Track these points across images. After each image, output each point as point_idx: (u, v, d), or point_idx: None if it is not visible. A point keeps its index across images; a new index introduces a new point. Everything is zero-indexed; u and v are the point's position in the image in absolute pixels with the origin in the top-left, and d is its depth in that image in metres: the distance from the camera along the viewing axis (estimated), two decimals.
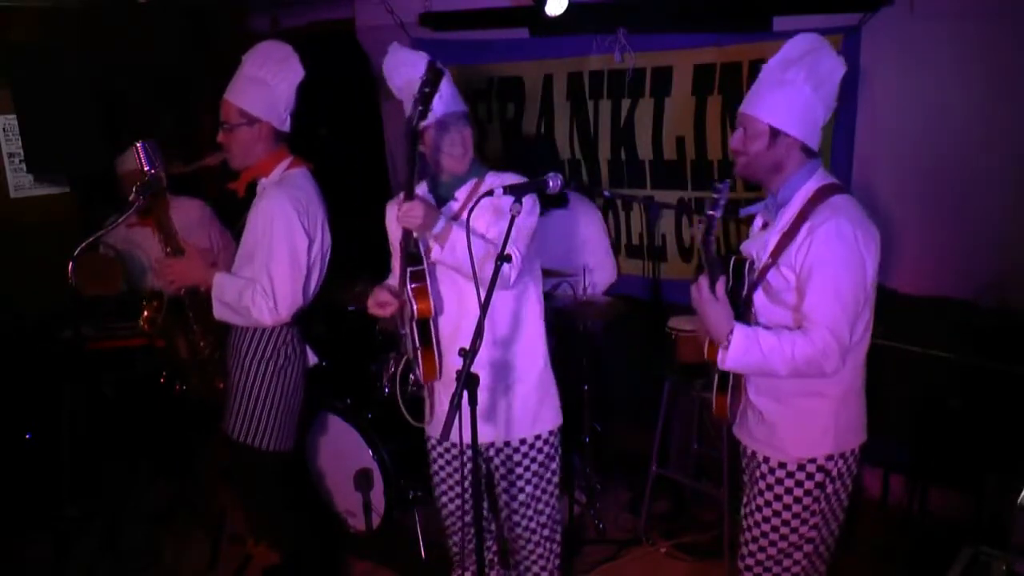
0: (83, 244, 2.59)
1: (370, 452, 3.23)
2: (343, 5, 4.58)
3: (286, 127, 2.67)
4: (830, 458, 2.08)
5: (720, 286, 2.01)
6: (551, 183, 2.11)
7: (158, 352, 3.23)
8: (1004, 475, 2.75)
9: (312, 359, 2.86)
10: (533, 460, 2.54)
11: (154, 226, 2.74)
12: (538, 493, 2.57)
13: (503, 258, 2.01)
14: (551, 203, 3.59)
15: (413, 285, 2.35)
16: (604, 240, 3.87)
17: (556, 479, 2.62)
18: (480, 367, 2.33)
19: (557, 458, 2.61)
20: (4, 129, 4.25)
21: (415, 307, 2.36)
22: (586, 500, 3.61)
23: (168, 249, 2.73)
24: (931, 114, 3.09)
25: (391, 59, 2.41)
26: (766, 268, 2.06)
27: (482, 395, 2.36)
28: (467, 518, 2.52)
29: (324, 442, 3.40)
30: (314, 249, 2.63)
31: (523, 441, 2.52)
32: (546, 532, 2.62)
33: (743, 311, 2.10)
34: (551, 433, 2.56)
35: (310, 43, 2.69)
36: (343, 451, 3.33)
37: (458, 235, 2.19)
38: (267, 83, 2.59)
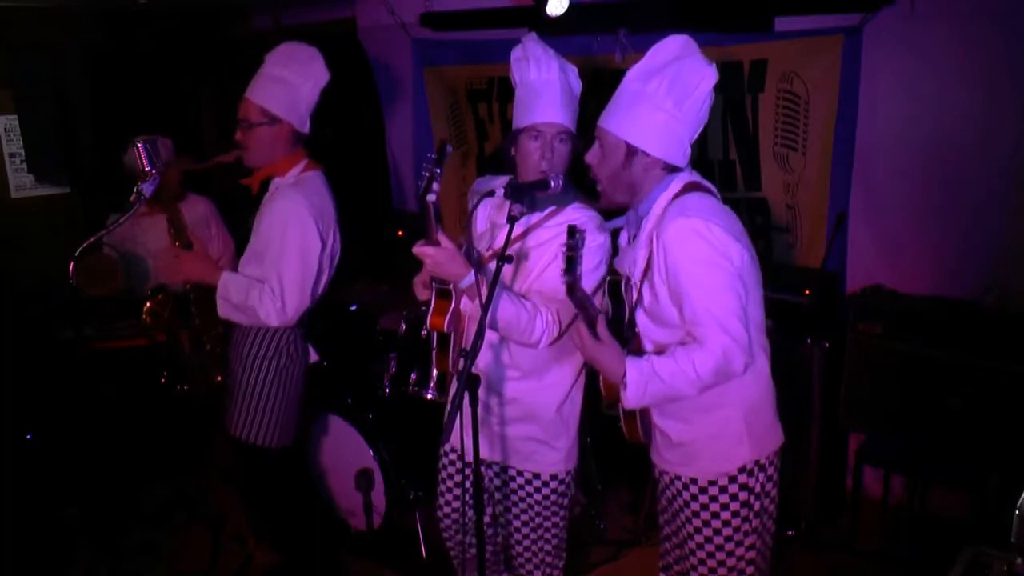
0: (84, 244, 2.59)
1: (371, 452, 3.23)
2: (344, 5, 4.58)
3: (306, 128, 2.65)
4: (751, 473, 1.97)
5: (601, 324, 1.86)
6: (552, 183, 2.11)
7: (160, 348, 3.23)
8: (1004, 475, 2.75)
9: (313, 356, 2.86)
10: (530, 496, 2.39)
11: (166, 220, 2.76)
12: (540, 531, 2.41)
13: (503, 259, 1.97)
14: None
15: (436, 299, 2.17)
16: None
17: (557, 520, 2.42)
18: (491, 391, 2.29)
19: (560, 502, 2.40)
20: (5, 129, 4.26)
21: (428, 317, 2.20)
22: (587, 500, 3.61)
23: (177, 243, 2.74)
24: (932, 114, 3.09)
25: (519, 50, 2.22)
26: (640, 286, 1.94)
27: (489, 416, 2.32)
28: (467, 529, 2.43)
29: (325, 442, 3.40)
30: (325, 252, 2.63)
31: (520, 473, 2.38)
32: (548, 559, 2.49)
33: (630, 336, 1.96)
34: (552, 477, 2.36)
35: (311, 42, 2.67)
36: (344, 451, 3.32)
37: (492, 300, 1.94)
38: (291, 83, 2.58)
